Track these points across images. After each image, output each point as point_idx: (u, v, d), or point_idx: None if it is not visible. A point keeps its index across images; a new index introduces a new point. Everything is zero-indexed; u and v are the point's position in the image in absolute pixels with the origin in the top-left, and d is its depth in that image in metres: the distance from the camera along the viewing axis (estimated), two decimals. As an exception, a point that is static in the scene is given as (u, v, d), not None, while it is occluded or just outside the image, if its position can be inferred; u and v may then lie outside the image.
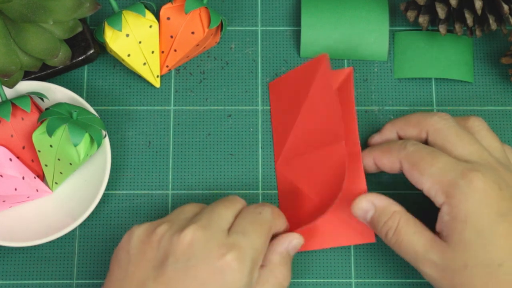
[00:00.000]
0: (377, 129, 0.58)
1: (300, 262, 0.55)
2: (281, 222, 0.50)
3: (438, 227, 0.48)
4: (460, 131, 0.50)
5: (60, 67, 0.56)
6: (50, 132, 0.50)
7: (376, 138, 0.55)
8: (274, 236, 0.50)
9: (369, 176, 0.55)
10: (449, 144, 0.50)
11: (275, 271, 0.48)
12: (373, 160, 0.52)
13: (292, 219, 0.53)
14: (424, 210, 0.52)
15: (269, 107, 0.58)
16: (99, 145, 0.52)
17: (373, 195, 0.51)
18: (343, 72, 0.56)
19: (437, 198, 0.48)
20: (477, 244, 0.46)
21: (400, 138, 0.53)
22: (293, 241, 0.50)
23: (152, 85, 0.58)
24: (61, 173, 0.53)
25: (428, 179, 0.48)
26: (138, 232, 0.47)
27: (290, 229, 0.52)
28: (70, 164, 0.52)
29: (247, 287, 0.46)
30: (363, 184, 0.53)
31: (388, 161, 0.51)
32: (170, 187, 0.56)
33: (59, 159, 0.52)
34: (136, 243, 0.47)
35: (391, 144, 0.51)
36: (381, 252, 0.55)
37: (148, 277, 0.45)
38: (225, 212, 0.48)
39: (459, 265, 0.46)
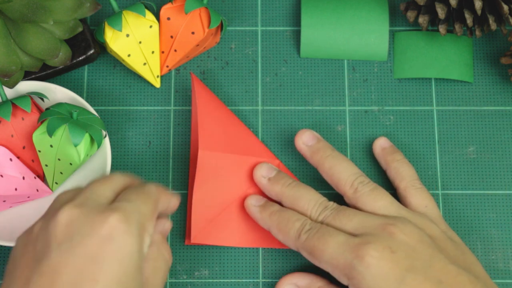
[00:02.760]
0: (377, 129, 0.58)
1: (300, 262, 0.55)
2: (166, 198, 0.47)
3: None
4: (336, 214, 0.50)
5: (60, 67, 0.56)
6: (50, 132, 0.50)
7: None
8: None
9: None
10: (336, 227, 0.49)
11: (161, 248, 0.46)
12: (269, 229, 0.52)
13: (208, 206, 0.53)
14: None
15: (269, 107, 0.58)
16: (99, 145, 0.52)
17: (294, 276, 0.52)
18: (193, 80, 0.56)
19: (341, 279, 0.48)
20: None
21: None
22: (166, 223, 0.48)
23: (152, 85, 0.58)
24: (61, 173, 0.53)
25: (327, 266, 0.48)
26: (19, 238, 0.44)
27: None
28: (70, 164, 0.52)
29: (139, 253, 0.42)
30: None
31: (284, 242, 0.51)
32: (170, 187, 0.56)
33: (59, 159, 0.52)
34: (18, 249, 0.43)
35: (288, 226, 0.50)
36: (381, 252, 0.55)
37: (32, 271, 0.40)
38: (102, 188, 0.44)
39: None
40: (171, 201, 0.48)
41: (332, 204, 0.51)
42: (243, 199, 0.55)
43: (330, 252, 0.48)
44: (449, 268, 0.47)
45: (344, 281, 0.48)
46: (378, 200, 0.51)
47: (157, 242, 0.46)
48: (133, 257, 0.41)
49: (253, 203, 0.53)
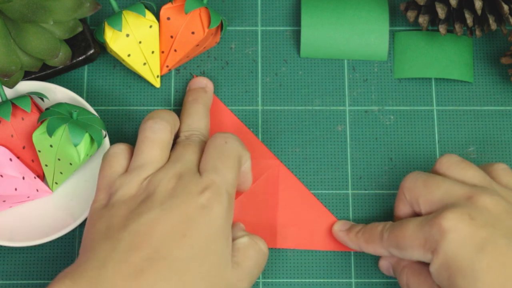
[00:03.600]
0: (377, 129, 0.58)
1: (300, 262, 0.55)
2: (246, 153, 0.52)
3: (433, 278, 0.48)
4: (426, 179, 0.49)
5: (60, 67, 0.56)
6: (50, 132, 0.50)
7: None
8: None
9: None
10: (419, 198, 0.49)
11: (253, 238, 0.50)
12: (359, 247, 0.52)
13: None
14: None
15: (269, 107, 0.58)
16: (99, 145, 0.52)
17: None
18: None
19: (427, 258, 0.47)
20: (465, 287, 0.45)
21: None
22: (239, 225, 0.53)
23: (152, 85, 0.58)
24: (61, 173, 0.53)
25: (412, 250, 0.48)
26: (126, 187, 0.49)
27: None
28: (70, 164, 0.52)
29: (227, 218, 0.48)
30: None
31: (374, 251, 0.51)
32: (170, 187, 0.56)
33: (59, 159, 0.52)
34: (121, 196, 0.48)
35: (372, 232, 0.51)
36: (381, 252, 0.55)
37: (129, 221, 0.46)
38: (189, 155, 0.50)
39: None
40: (248, 153, 0.52)
41: None
42: (244, 199, 0.55)
43: (410, 233, 0.47)
44: None
45: (428, 257, 0.47)
46: (469, 169, 0.50)
47: (248, 234, 0.50)
48: (221, 222, 0.47)
49: (340, 228, 0.54)
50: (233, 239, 0.50)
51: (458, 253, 0.45)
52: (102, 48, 0.59)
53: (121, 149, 0.51)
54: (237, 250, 0.49)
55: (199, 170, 0.49)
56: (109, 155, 0.51)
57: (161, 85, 0.58)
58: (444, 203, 0.48)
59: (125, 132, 0.57)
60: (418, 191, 0.49)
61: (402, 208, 0.52)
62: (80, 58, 0.56)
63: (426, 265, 0.50)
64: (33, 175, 0.54)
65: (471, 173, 0.50)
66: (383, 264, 0.53)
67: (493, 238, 0.45)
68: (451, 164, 0.51)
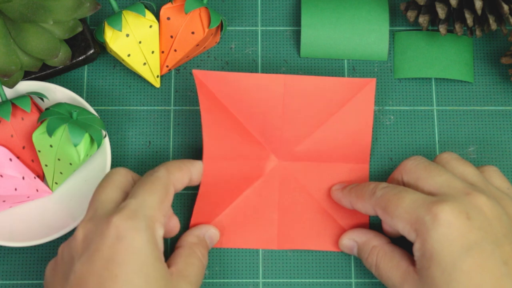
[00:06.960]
0: (377, 129, 0.58)
1: (300, 262, 0.55)
2: (181, 175, 0.50)
3: (415, 259, 0.48)
4: (429, 165, 0.50)
5: (60, 67, 0.56)
6: (50, 132, 0.50)
7: None
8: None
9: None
10: (419, 180, 0.50)
11: (194, 249, 0.50)
12: (350, 203, 0.53)
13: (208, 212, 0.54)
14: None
15: (269, 107, 0.58)
16: (99, 145, 0.52)
17: (355, 232, 0.53)
18: (365, 82, 0.55)
19: (410, 236, 0.48)
20: (441, 282, 0.45)
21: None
22: (210, 230, 0.53)
23: (152, 85, 0.58)
24: (61, 173, 0.53)
25: (398, 221, 0.48)
26: (48, 266, 0.48)
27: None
28: (70, 164, 0.52)
29: (152, 243, 0.45)
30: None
31: (362, 207, 0.51)
32: (170, 187, 0.56)
33: (59, 159, 0.52)
34: (48, 275, 0.47)
35: (364, 188, 0.51)
36: (381, 252, 0.55)
37: (63, 287, 0.45)
38: (105, 194, 0.47)
39: None
40: (186, 174, 0.50)
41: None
42: (244, 201, 0.55)
43: (405, 206, 0.47)
44: None
45: (412, 237, 0.47)
46: (469, 166, 0.50)
47: (191, 244, 0.51)
48: (146, 248, 0.44)
49: (337, 187, 0.55)
50: (176, 247, 0.51)
51: (444, 247, 0.45)
52: (102, 48, 0.59)
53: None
54: (178, 257, 0.49)
55: None
56: None
57: (161, 85, 0.58)
58: (443, 191, 0.48)
59: (125, 132, 0.57)
60: (418, 173, 0.50)
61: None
62: (80, 58, 0.56)
63: (399, 248, 0.50)
64: (33, 175, 0.54)
65: (470, 171, 0.50)
66: (347, 243, 0.53)
67: (482, 242, 0.45)
68: (451, 159, 0.51)
